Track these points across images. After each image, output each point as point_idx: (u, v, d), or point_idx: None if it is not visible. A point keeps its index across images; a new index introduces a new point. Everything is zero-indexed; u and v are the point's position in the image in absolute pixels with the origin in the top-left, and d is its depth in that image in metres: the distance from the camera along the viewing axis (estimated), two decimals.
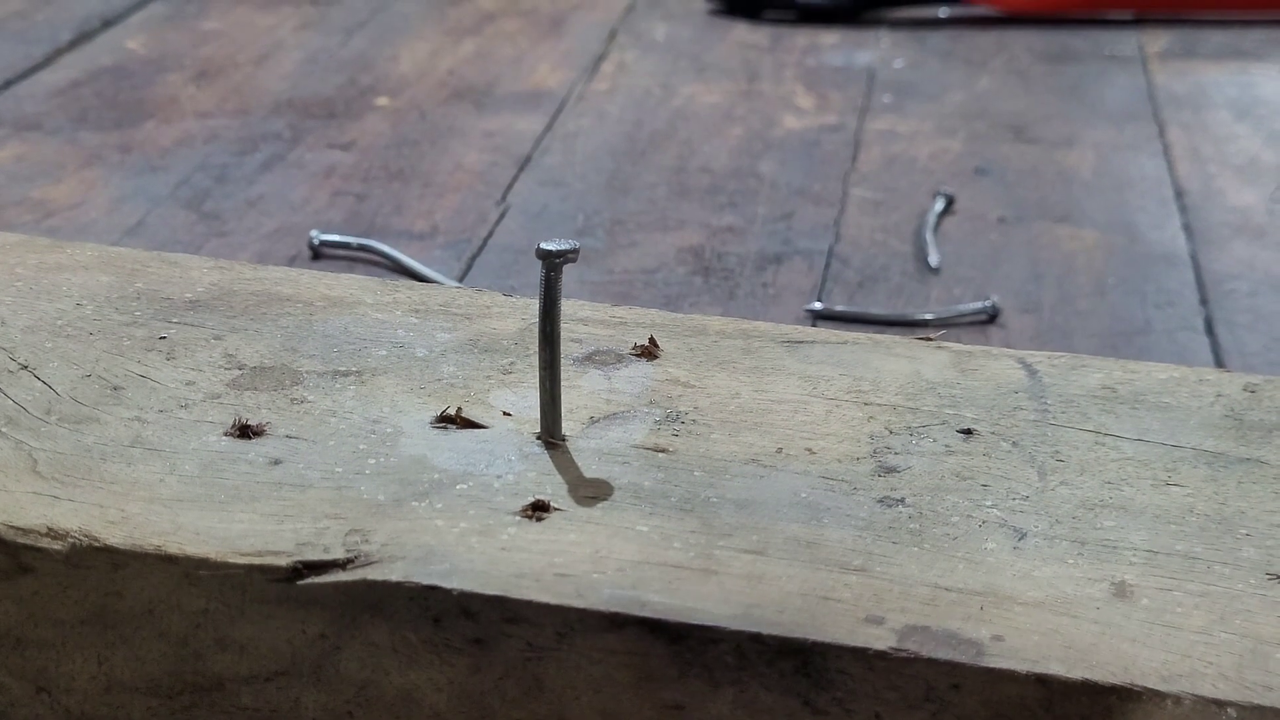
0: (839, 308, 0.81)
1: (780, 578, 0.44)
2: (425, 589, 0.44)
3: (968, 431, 0.52)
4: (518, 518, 0.46)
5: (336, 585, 0.44)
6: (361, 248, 0.85)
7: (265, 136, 1.02)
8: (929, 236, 0.88)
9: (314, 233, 0.86)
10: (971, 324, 0.80)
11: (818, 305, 0.81)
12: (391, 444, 0.50)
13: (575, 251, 0.49)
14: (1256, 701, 0.41)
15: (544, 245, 0.49)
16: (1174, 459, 0.51)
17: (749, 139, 1.05)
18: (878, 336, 0.58)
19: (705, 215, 0.92)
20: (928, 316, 0.80)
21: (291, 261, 0.84)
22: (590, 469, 0.49)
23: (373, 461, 0.49)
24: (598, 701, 0.44)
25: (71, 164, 0.97)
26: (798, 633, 0.42)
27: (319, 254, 0.85)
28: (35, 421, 0.51)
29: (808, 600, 0.43)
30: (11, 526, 0.46)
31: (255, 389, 0.53)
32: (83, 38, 1.19)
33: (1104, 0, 1.31)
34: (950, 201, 0.93)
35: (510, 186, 0.96)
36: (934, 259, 0.85)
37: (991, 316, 0.80)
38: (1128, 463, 0.51)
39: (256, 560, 0.45)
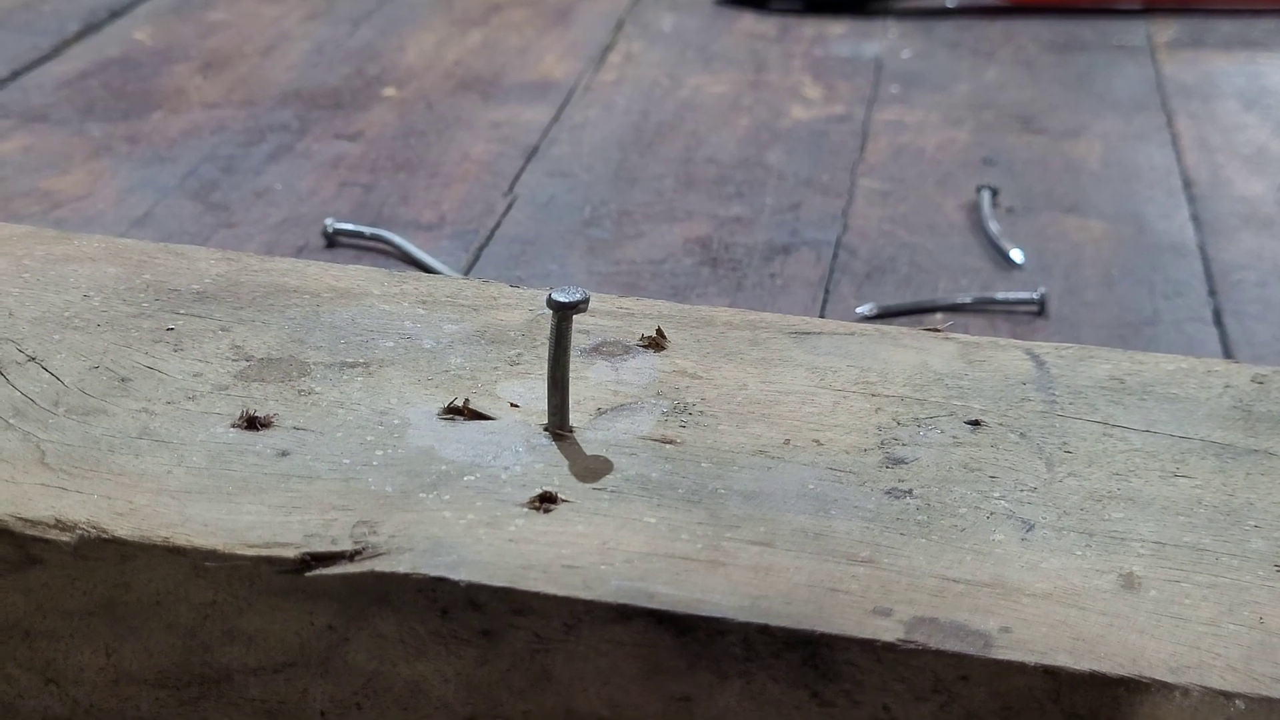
0: (890, 303, 0.80)
1: (788, 569, 0.44)
2: (433, 580, 0.44)
3: (975, 423, 0.52)
4: (525, 509, 0.46)
5: (344, 577, 0.44)
6: (374, 237, 0.85)
7: (272, 127, 1.02)
8: (993, 228, 0.88)
9: (329, 220, 0.86)
10: (1019, 313, 0.80)
11: (867, 308, 0.79)
12: (399, 435, 0.50)
13: (586, 301, 0.49)
14: (1265, 693, 0.41)
15: (556, 296, 0.49)
16: (1182, 450, 0.51)
17: (756, 130, 1.04)
18: (885, 328, 0.58)
19: (713, 206, 0.92)
20: (971, 300, 0.81)
21: (299, 252, 0.84)
22: (598, 460, 0.49)
23: (380, 453, 0.49)
24: (605, 693, 0.44)
25: (79, 155, 0.97)
26: (805, 624, 0.42)
27: (334, 242, 0.85)
28: (43, 413, 0.51)
29: (815, 592, 0.43)
30: (20, 518, 0.46)
31: (263, 380, 0.53)
32: (90, 29, 1.19)
33: None
34: (995, 193, 0.93)
35: (517, 177, 0.95)
36: (1018, 255, 0.85)
37: (1040, 308, 0.80)
38: (1136, 454, 0.50)
39: (264, 552, 0.45)
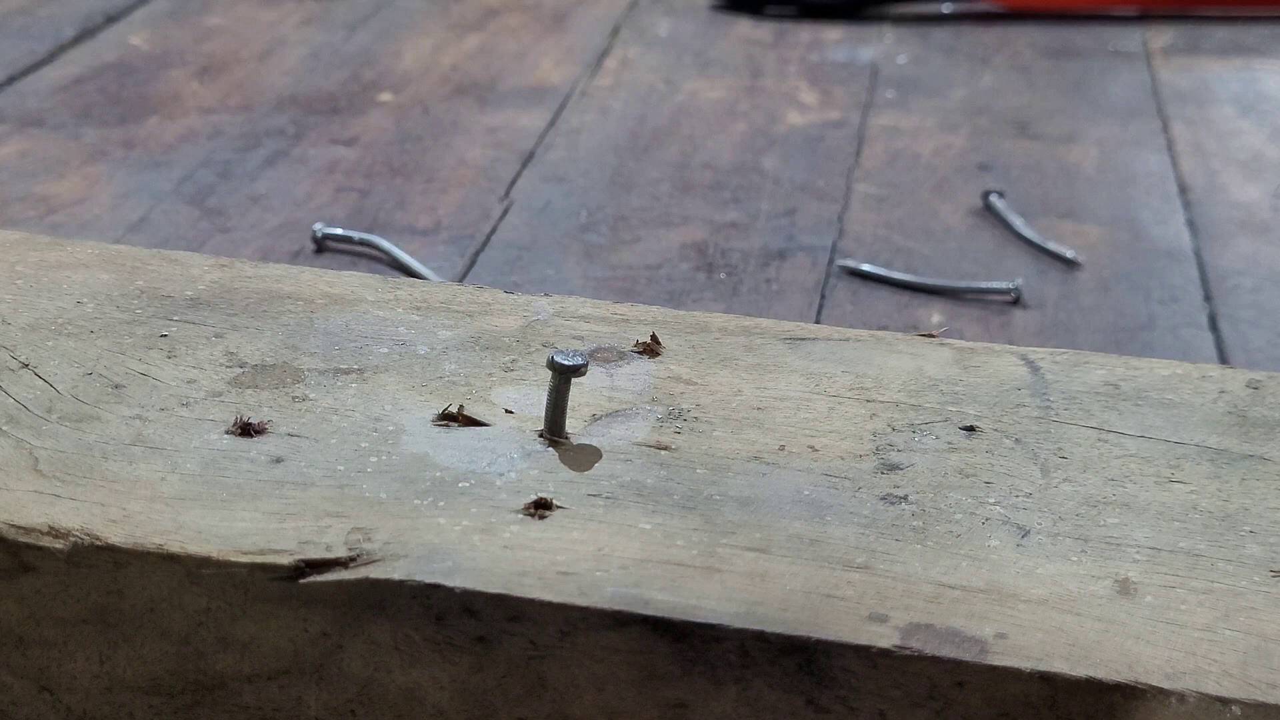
0: (865, 267, 0.83)
1: (783, 575, 0.44)
2: (428, 587, 0.44)
3: (970, 428, 0.52)
4: (520, 516, 0.46)
5: (339, 584, 0.44)
6: (363, 242, 0.85)
7: (268, 132, 1.02)
8: (1030, 232, 0.88)
9: (318, 226, 0.86)
10: (995, 303, 0.81)
11: (850, 262, 0.83)
12: (393, 442, 0.50)
13: (586, 366, 0.50)
14: (1260, 699, 0.40)
15: (558, 359, 0.49)
16: (1177, 456, 0.51)
17: (752, 135, 1.04)
18: (880, 334, 0.58)
19: (709, 211, 0.92)
20: (958, 285, 0.82)
21: (295, 258, 0.84)
22: (593, 467, 0.49)
23: (374, 460, 0.49)
24: (601, 700, 0.44)
25: (75, 160, 0.96)
26: (801, 631, 0.42)
27: (322, 247, 0.85)
28: (36, 420, 0.51)
29: (811, 598, 0.43)
30: (13, 525, 0.46)
31: (256, 387, 0.53)
32: (86, 34, 1.19)
33: None
34: (1001, 195, 0.93)
35: (513, 182, 0.95)
36: (1070, 253, 0.86)
37: (1016, 299, 0.81)
38: (1131, 460, 0.50)
39: (259, 559, 0.45)
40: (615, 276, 0.83)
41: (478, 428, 0.51)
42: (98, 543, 0.45)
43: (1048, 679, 0.41)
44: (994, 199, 0.92)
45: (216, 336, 0.56)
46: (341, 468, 0.48)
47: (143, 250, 0.62)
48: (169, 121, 1.03)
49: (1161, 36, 1.26)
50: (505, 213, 0.91)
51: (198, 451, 0.49)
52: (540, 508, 0.47)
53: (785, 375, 0.55)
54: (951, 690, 0.42)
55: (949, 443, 0.51)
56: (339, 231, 0.86)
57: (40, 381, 0.53)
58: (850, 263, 0.84)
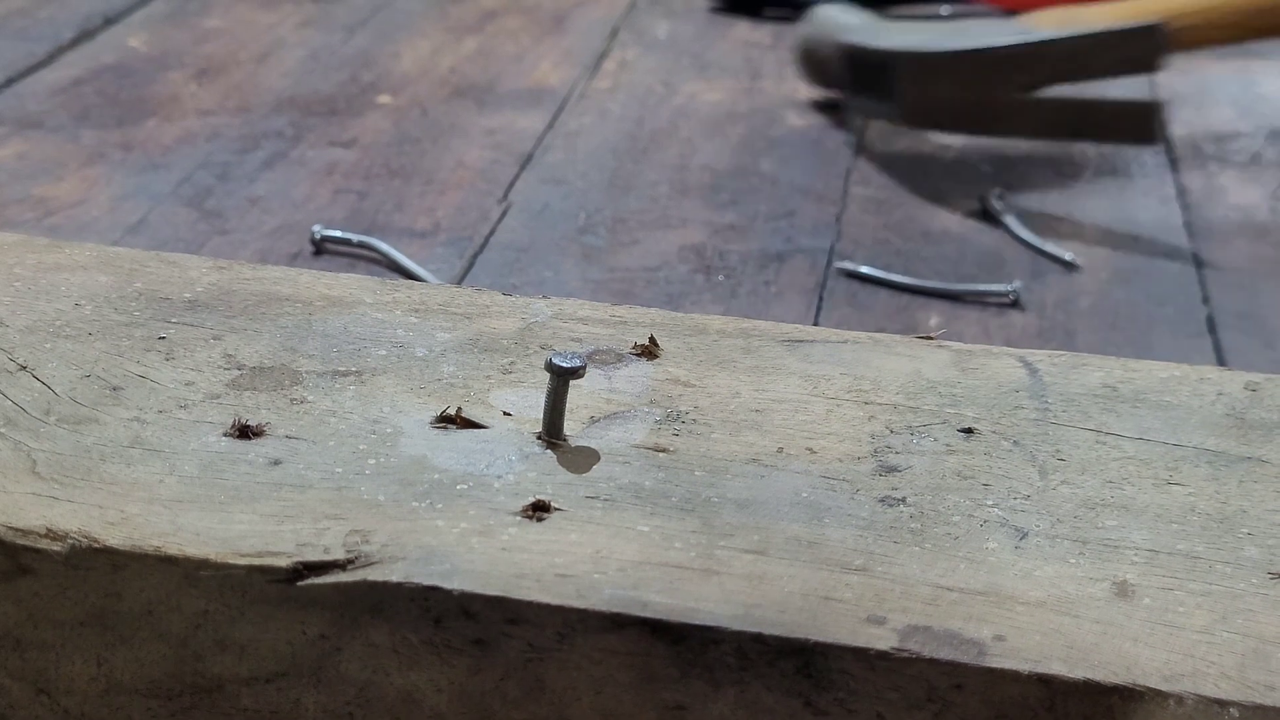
0: (863, 269, 0.84)
1: (781, 578, 0.44)
2: (426, 589, 0.44)
3: (969, 430, 0.52)
4: (518, 518, 0.46)
5: (337, 586, 0.44)
6: (361, 244, 0.85)
7: (267, 134, 1.02)
8: (1029, 236, 0.88)
9: (316, 227, 0.86)
10: (994, 305, 0.81)
11: (848, 265, 0.84)
12: (391, 444, 0.50)
13: (584, 368, 0.50)
14: (1259, 701, 0.40)
15: (556, 361, 0.49)
16: (1175, 458, 0.51)
17: (751, 137, 1.04)
18: (878, 336, 0.58)
19: (707, 213, 0.92)
20: (956, 288, 0.82)
21: (293, 260, 0.84)
22: (591, 469, 0.49)
23: (373, 462, 0.49)
24: (599, 702, 0.44)
25: (73, 162, 0.96)
26: (799, 633, 0.42)
27: (321, 249, 0.85)
28: (34, 422, 0.51)
29: (809, 600, 0.43)
30: (11, 528, 0.46)
31: (255, 389, 0.53)
32: (84, 36, 1.19)
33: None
34: (1000, 197, 0.93)
35: (512, 184, 0.95)
36: (1069, 255, 0.86)
37: (1014, 301, 0.81)
38: (1129, 462, 0.50)
39: (257, 561, 0.45)
40: (613, 278, 0.84)
41: (476, 430, 0.51)
42: (96, 545, 0.45)
43: (1046, 681, 0.41)
44: (993, 201, 0.92)
45: (215, 339, 0.56)
46: (340, 470, 0.48)
47: (141, 252, 0.62)
48: (167, 123, 1.03)
49: None
50: (504, 215, 0.91)
51: (196, 454, 0.49)
52: (538, 510, 0.47)
53: (783, 377, 0.55)
54: (949, 692, 0.42)
55: (947, 445, 0.51)
56: (337, 233, 0.86)
57: (38, 384, 0.53)
58: (848, 265, 0.84)
